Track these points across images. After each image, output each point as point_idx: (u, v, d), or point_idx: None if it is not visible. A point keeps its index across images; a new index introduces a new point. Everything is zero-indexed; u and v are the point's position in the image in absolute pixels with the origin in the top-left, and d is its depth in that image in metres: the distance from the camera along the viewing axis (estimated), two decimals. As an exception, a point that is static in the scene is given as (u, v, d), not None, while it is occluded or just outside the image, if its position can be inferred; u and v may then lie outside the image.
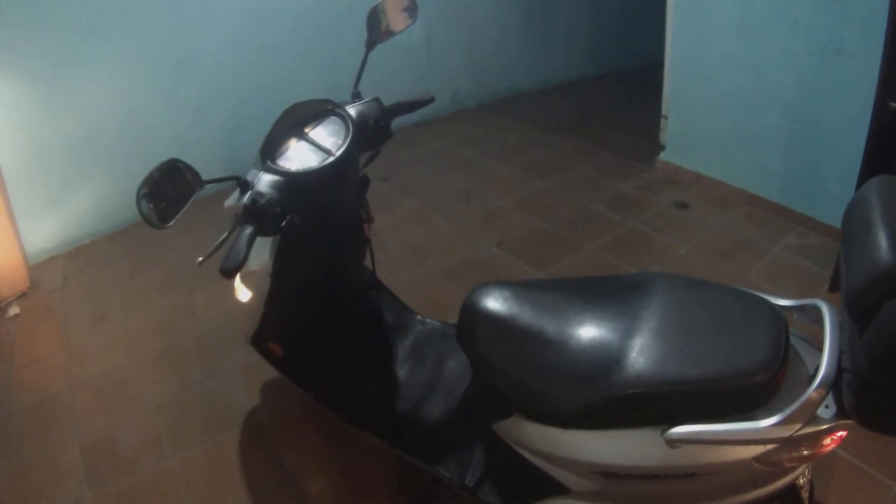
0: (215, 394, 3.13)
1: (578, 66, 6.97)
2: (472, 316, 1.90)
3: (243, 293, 2.38)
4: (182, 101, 4.73)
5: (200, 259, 1.90)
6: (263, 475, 2.70)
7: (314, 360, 2.49)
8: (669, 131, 4.77)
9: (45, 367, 3.47)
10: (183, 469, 2.76)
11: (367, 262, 2.68)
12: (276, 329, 2.41)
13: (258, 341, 2.47)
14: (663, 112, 4.82)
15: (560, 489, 1.92)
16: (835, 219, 3.59)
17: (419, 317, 2.78)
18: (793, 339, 1.71)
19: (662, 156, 4.84)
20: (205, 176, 1.82)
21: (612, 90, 6.74)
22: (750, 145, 4.22)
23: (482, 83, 6.45)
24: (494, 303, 1.88)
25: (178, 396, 3.15)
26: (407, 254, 4.07)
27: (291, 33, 5.05)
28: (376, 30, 2.35)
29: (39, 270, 4.27)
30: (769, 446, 1.58)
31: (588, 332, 1.75)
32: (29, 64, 4.02)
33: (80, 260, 4.39)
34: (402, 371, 2.54)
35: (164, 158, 1.80)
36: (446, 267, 3.90)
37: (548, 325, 1.79)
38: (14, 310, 3.88)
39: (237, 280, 2.38)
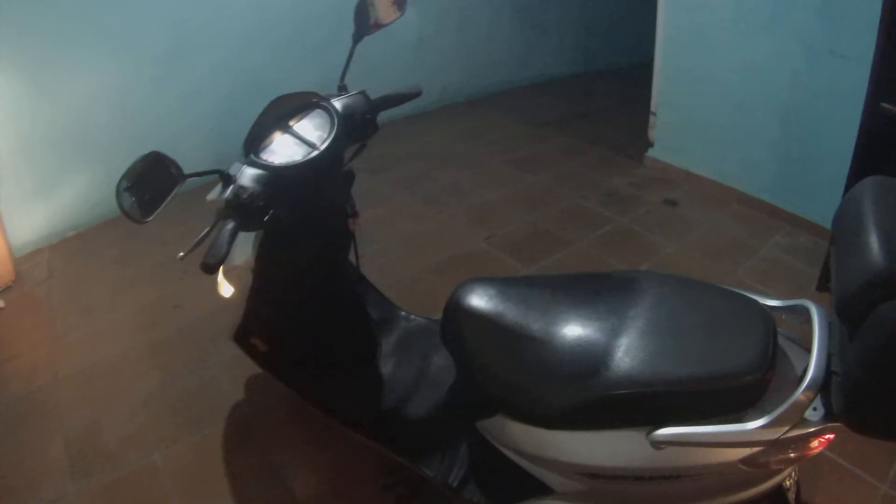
0: (201, 388, 3.11)
1: (570, 61, 6.96)
2: (457, 313, 1.88)
3: (226, 288, 2.36)
4: (170, 92, 4.69)
5: (181, 254, 1.86)
6: (248, 471, 2.68)
7: (298, 356, 2.47)
8: (659, 128, 4.76)
9: (30, 360, 3.44)
10: (168, 464, 2.74)
11: (352, 257, 2.65)
12: (259, 324, 2.39)
13: (241, 337, 2.45)
14: (652, 109, 4.81)
15: (544, 489, 1.91)
16: (824, 219, 3.65)
17: (404, 312, 2.76)
18: (781, 340, 1.70)
19: (651, 153, 4.83)
20: (188, 169, 1.79)
21: (603, 86, 6.74)
22: (741, 144, 4.23)
23: (472, 78, 6.43)
24: (479, 300, 1.86)
25: (164, 390, 3.13)
26: (395, 248, 4.05)
27: (281, 23, 5.01)
28: (364, 22, 2.31)
29: (25, 263, 4.23)
30: (756, 448, 1.57)
31: (574, 330, 1.73)
32: (14, 54, 3.97)
33: (67, 252, 4.35)
34: (386, 367, 2.52)
35: (149, 150, 1.77)
36: (434, 262, 3.89)
37: (533, 322, 1.78)
38: (-1, 303, 3.85)
39: (220, 275, 2.36)
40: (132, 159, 1.76)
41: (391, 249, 4.03)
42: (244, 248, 2.19)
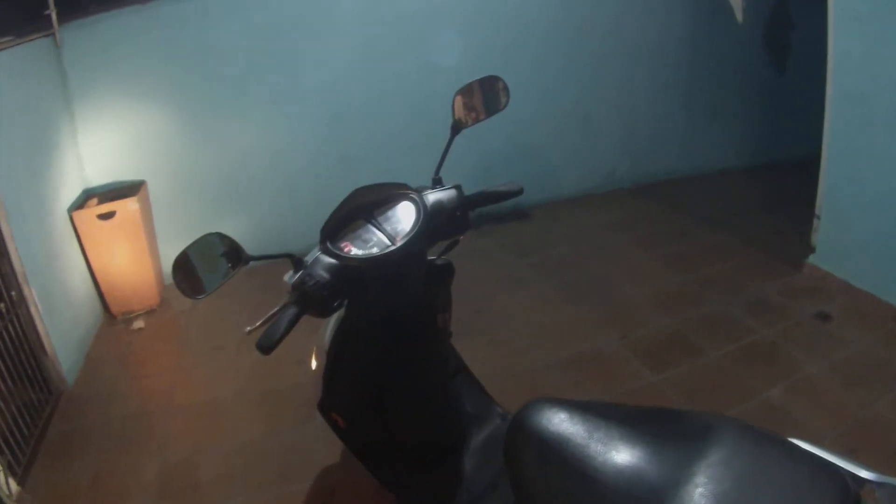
0: (299, 444, 3.14)
1: (738, 154, 6.65)
2: (519, 432, 1.77)
3: (313, 362, 2.37)
4: (331, 156, 4.87)
5: (248, 328, 1.86)
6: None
7: (372, 440, 2.42)
8: (821, 233, 4.42)
9: (152, 383, 3.64)
10: (248, 512, 2.78)
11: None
12: (337, 403, 2.37)
13: (323, 409, 2.44)
14: (816, 211, 4.49)
15: None
16: None
17: (500, 410, 2.63)
18: None
19: (811, 259, 4.50)
20: None
21: (770, 181, 6.37)
22: (903, 257, 3.84)
23: (639, 164, 6.27)
24: (543, 422, 1.72)
25: (264, 439, 3.18)
26: (523, 336, 3.93)
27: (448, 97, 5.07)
28: (463, 112, 2.27)
29: (172, 291, 4.38)
30: None
31: (632, 475, 1.57)
32: (187, 98, 4.36)
33: (213, 287, 4.52)
34: (468, 464, 2.42)
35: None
36: (561, 356, 3.73)
37: (591, 458, 1.62)
38: (139, 324, 4.07)
39: (315, 347, 2.38)
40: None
41: (519, 337, 3.92)
42: (332, 328, 2.19)
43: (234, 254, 1.79)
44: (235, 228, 4.58)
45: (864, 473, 1.55)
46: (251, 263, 1.82)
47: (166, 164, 4.41)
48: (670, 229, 5.39)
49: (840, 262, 4.31)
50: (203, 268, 1.78)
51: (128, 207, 4.00)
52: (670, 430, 1.71)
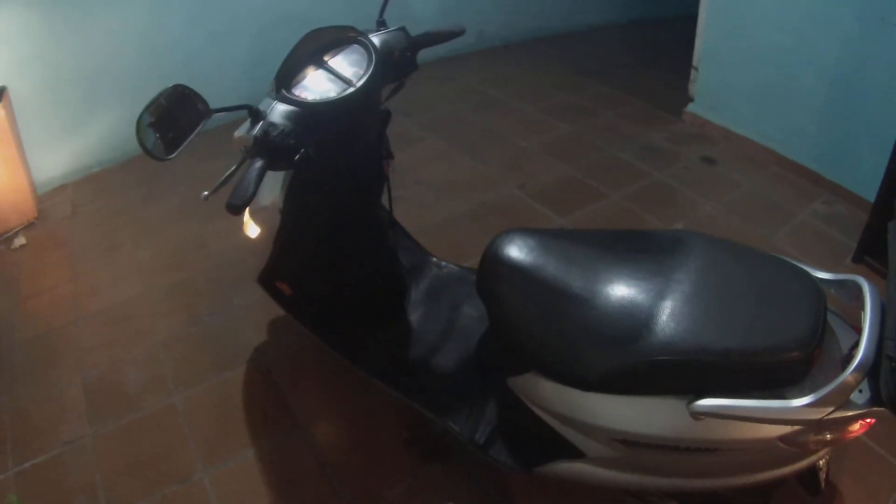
0: (223, 330, 3.06)
1: (612, 9, 6.72)
2: (494, 264, 1.79)
3: (252, 229, 2.28)
4: (202, 30, 4.57)
5: (206, 193, 1.76)
6: (267, 417, 2.65)
7: (324, 302, 2.39)
8: (700, 83, 4.60)
9: (51, 298, 3.41)
10: (186, 408, 2.71)
11: (385, 200, 2.55)
12: (285, 268, 2.31)
13: (266, 279, 2.37)
14: (694, 63, 4.64)
15: (575, 453, 1.83)
16: (865, 189, 3.49)
17: (435, 259, 2.67)
18: (829, 316, 1.61)
19: (691, 108, 4.68)
20: (215, 104, 1.69)
21: (645, 37, 6.51)
22: (783, 106, 4.05)
23: (510, 22, 6.22)
24: (519, 251, 1.77)
25: (186, 332, 3.08)
26: (426, 192, 3.95)
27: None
28: None
29: (48, 200, 4.17)
30: (797, 427, 1.51)
31: (617, 290, 1.64)
32: None
33: (91, 188, 4.29)
34: (415, 316, 2.45)
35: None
36: (466, 208, 3.79)
37: (574, 279, 1.68)
38: (20, 240, 3.80)
39: (246, 215, 2.28)
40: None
41: (422, 194, 3.93)
42: (272, 187, 2.10)
43: (198, 107, 1.68)
44: (110, 122, 4.36)
45: (822, 274, 1.67)
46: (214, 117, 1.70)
47: (31, 64, 3.99)
48: (551, 83, 5.47)
49: (720, 111, 4.52)
50: (168, 125, 1.65)
51: (-8, 117, 3.65)
52: (642, 247, 1.78)
